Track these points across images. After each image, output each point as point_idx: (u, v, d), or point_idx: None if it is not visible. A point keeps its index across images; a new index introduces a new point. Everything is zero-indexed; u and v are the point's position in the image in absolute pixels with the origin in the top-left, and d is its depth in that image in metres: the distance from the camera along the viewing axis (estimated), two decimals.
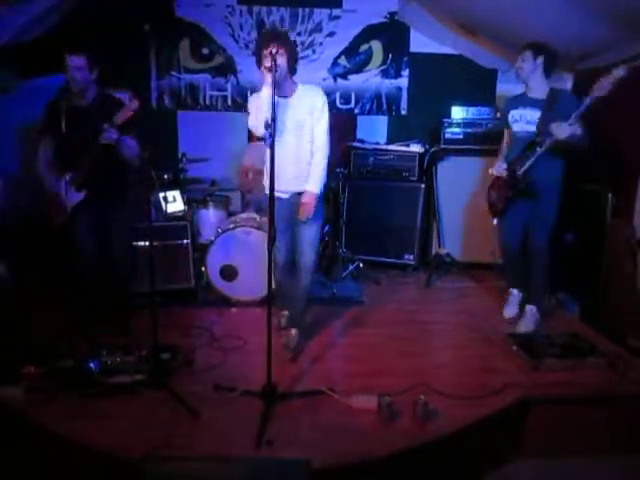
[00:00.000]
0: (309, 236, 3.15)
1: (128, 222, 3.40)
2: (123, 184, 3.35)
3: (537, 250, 3.53)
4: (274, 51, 2.66)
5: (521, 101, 3.52)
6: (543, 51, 3.38)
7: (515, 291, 3.83)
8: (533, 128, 3.42)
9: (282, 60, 2.81)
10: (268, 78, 2.70)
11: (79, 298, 3.38)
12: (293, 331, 3.24)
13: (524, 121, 3.47)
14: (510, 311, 3.80)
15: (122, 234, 3.35)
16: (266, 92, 2.78)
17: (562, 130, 3.18)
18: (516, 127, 3.52)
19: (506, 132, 3.72)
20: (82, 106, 3.11)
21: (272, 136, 2.58)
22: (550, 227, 3.50)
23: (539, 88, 3.45)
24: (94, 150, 3.01)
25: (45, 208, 3.20)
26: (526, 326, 3.56)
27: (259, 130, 2.86)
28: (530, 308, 3.62)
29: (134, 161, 3.17)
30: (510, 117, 3.55)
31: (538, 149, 3.33)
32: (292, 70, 2.98)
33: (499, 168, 3.57)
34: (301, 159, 3.05)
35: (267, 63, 2.69)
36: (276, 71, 2.61)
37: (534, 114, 3.41)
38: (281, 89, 2.89)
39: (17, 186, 4.20)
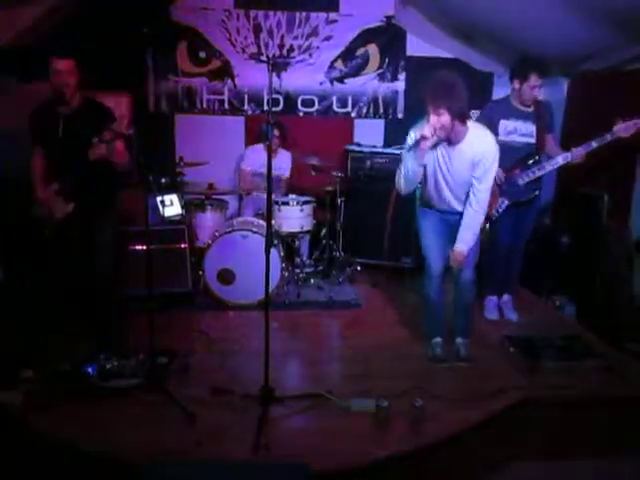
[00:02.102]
0: None
1: (114, 233, 3.23)
2: (111, 193, 3.25)
3: (522, 248, 3.80)
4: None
5: (510, 111, 3.59)
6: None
7: (495, 298, 3.92)
8: (528, 140, 3.56)
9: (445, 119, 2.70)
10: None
11: (74, 305, 3.36)
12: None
13: (518, 133, 3.59)
14: (494, 314, 3.88)
15: (106, 245, 3.16)
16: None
17: (578, 156, 3.42)
18: (509, 138, 3.57)
19: None
20: (67, 114, 3.02)
21: (269, 138, 2.58)
22: (533, 227, 3.82)
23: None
24: (82, 163, 2.92)
25: (39, 213, 3.16)
26: (516, 315, 3.83)
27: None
28: (509, 298, 3.90)
29: (124, 167, 3.09)
30: (502, 127, 3.60)
31: (547, 166, 3.53)
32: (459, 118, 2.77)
33: (499, 174, 3.58)
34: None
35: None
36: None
37: (527, 126, 3.56)
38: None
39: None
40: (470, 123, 2.84)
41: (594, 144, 3.37)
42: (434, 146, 2.81)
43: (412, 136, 2.85)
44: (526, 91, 3.47)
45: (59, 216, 3.05)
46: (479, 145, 2.83)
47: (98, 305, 3.17)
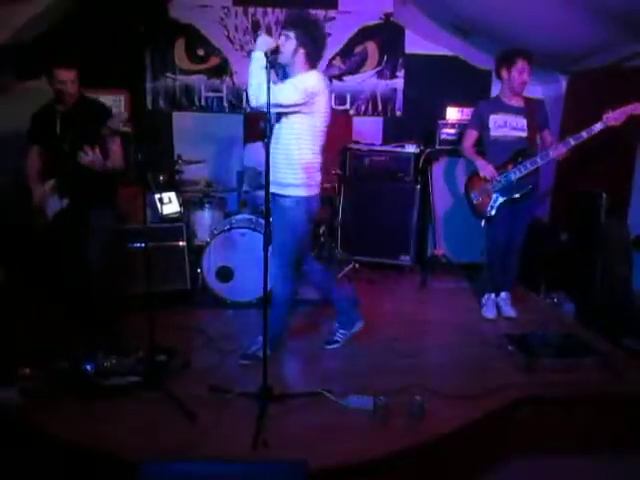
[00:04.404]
0: None
1: (110, 231, 3.24)
2: (107, 190, 3.25)
3: (519, 244, 3.75)
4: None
5: (500, 106, 3.61)
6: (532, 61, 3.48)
7: (493, 295, 3.90)
8: (520, 134, 3.56)
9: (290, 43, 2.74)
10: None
11: (70, 301, 3.36)
12: None
13: (509, 127, 3.59)
14: (492, 313, 3.85)
15: (101, 243, 3.16)
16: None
17: (568, 148, 3.40)
18: (500, 132, 3.60)
19: (473, 133, 3.76)
20: (64, 112, 3.03)
21: (268, 132, 2.54)
22: (530, 222, 3.79)
23: (518, 96, 3.58)
24: (74, 165, 2.92)
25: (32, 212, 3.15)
26: (514, 311, 3.82)
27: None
28: (507, 295, 3.88)
29: (119, 166, 3.10)
30: (492, 122, 3.62)
31: (539, 160, 3.49)
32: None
33: (491, 171, 3.61)
34: None
35: None
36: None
37: (518, 120, 3.56)
38: None
39: None
40: (315, 71, 2.79)
41: (585, 134, 3.34)
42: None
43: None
44: (515, 76, 3.46)
45: (51, 214, 3.05)
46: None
47: (95, 303, 3.17)
